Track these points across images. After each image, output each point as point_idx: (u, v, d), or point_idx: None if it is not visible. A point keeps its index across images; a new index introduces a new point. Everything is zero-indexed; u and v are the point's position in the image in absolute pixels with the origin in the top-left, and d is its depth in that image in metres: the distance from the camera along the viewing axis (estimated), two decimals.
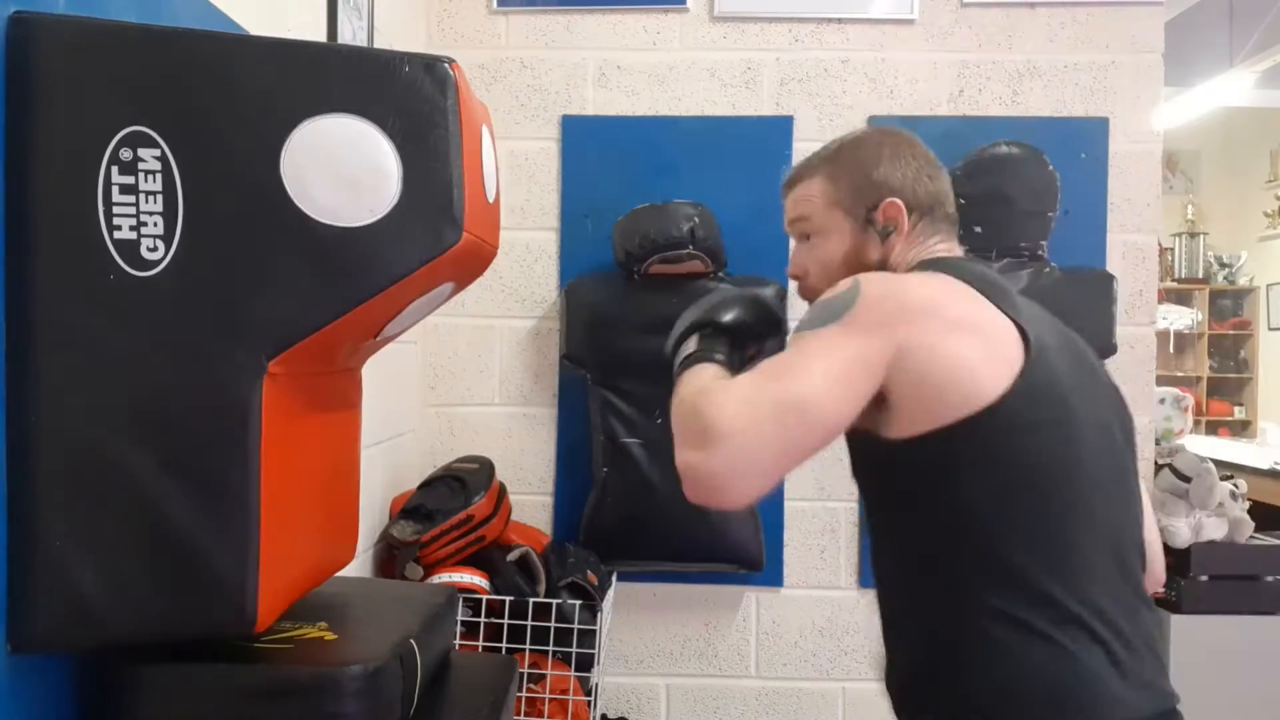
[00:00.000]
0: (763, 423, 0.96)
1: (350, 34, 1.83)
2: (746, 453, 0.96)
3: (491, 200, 1.01)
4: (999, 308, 1.03)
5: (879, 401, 1.00)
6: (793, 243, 1.27)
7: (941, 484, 1.01)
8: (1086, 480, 1.03)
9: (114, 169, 0.85)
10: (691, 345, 1.18)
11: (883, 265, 1.17)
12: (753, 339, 1.23)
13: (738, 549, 2.36)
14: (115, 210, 0.85)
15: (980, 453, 0.99)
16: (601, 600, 2.18)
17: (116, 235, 0.85)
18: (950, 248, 1.20)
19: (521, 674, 2.06)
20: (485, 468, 2.25)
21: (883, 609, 1.14)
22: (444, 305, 1.10)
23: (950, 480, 1.00)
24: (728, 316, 1.20)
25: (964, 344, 0.99)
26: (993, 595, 0.99)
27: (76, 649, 0.93)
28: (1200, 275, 6.47)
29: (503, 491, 2.25)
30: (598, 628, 2.14)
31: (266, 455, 0.88)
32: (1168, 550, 2.01)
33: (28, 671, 0.89)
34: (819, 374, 0.97)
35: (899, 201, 1.16)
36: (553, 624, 2.10)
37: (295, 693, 0.93)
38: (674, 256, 2.25)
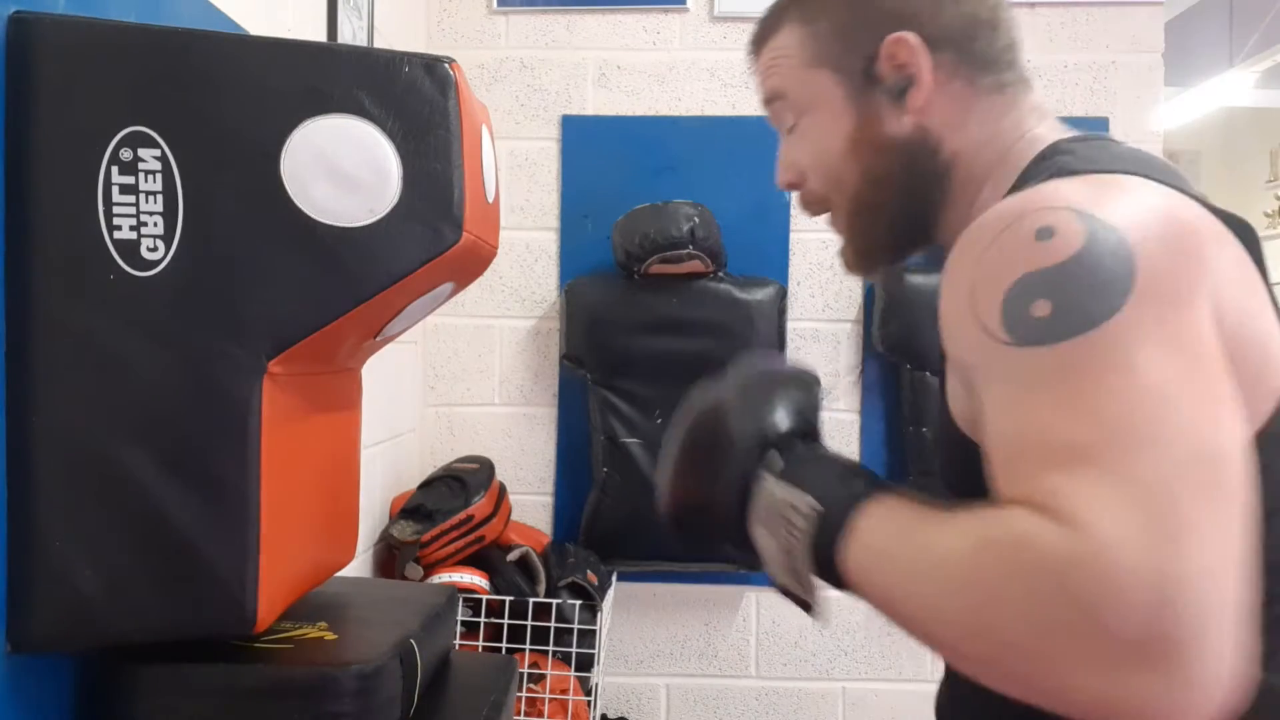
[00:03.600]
0: (1199, 538, 0.49)
1: (350, 34, 1.82)
2: (1220, 606, 0.48)
3: (491, 200, 1.01)
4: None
5: None
6: (781, 145, 0.85)
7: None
8: None
9: (114, 169, 0.85)
10: (784, 494, 0.67)
11: (918, 148, 0.76)
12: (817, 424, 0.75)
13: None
14: (115, 210, 0.85)
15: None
16: (601, 600, 2.18)
17: (116, 235, 0.85)
18: (1043, 115, 0.78)
19: (521, 674, 2.06)
20: (485, 468, 2.25)
21: None
22: (444, 305, 1.10)
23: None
24: (786, 421, 0.71)
25: (1252, 298, 0.62)
26: None
27: (76, 649, 0.93)
28: None
29: (503, 491, 2.25)
30: (598, 628, 2.14)
31: (266, 455, 0.88)
32: None
33: (28, 671, 0.89)
34: (1184, 396, 0.53)
35: (909, 36, 0.75)
36: (553, 624, 2.10)
37: (295, 693, 0.93)
38: (674, 256, 2.25)
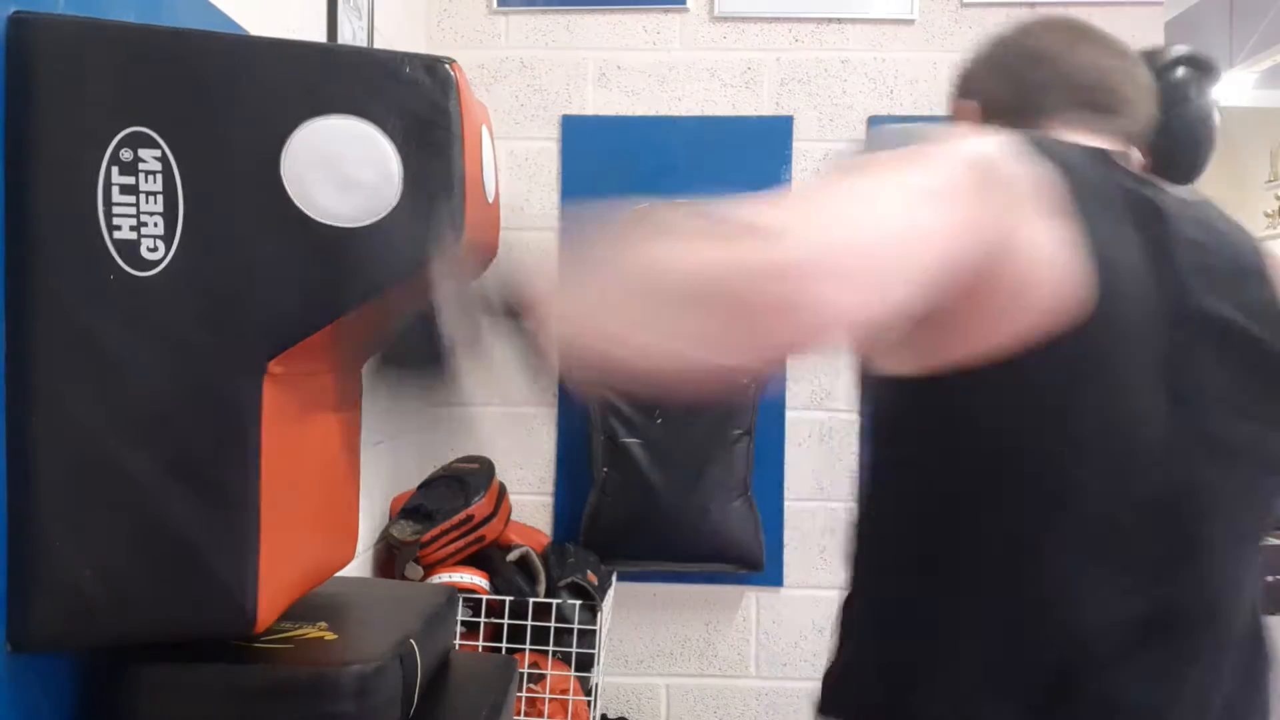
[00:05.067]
0: (837, 222, 0.65)
1: (350, 34, 1.83)
2: (830, 244, 0.63)
3: (491, 200, 1.01)
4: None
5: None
6: None
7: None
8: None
9: (114, 169, 0.85)
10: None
11: None
12: None
13: (738, 549, 2.36)
14: (115, 210, 0.85)
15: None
16: (601, 600, 2.18)
17: (116, 235, 0.85)
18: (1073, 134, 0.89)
19: (521, 674, 2.06)
20: (485, 468, 2.25)
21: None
22: None
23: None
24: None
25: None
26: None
27: (76, 649, 0.93)
28: None
29: (503, 491, 2.25)
30: (598, 628, 2.14)
31: (266, 455, 0.88)
32: None
33: (28, 671, 0.89)
34: (899, 193, 0.68)
35: (973, 105, 0.95)
36: (553, 624, 2.10)
37: (295, 693, 0.93)
38: None
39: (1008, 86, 0.95)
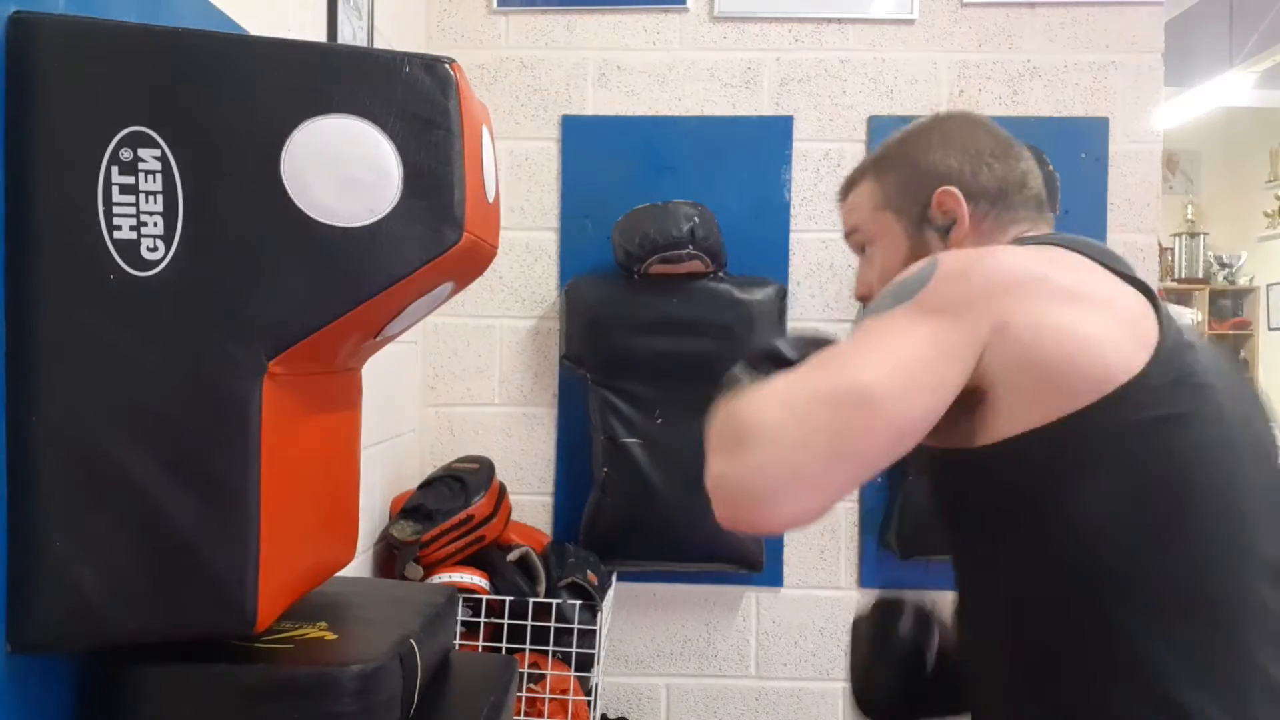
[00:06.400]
0: (808, 418, 0.78)
1: (350, 34, 1.83)
2: (785, 455, 0.77)
3: (491, 200, 1.01)
4: (1120, 275, 0.87)
5: (971, 403, 0.83)
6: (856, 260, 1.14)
7: (1050, 496, 0.82)
8: (1240, 498, 0.82)
9: (114, 169, 0.85)
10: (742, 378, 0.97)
11: None
12: None
13: (737, 549, 2.36)
14: (115, 210, 0.85)
15: (1106, 451, 0.80)
16: (601, 600, 2.18)
17: (116, 235, 0.85)
18: (1036, 226, 1.04)
19: (521, 674, 2.06)
20: (485, 468, 2.25)
21: (979, 667, 0.94)
22: (444, 305, 1.10)
23: (1063, 491, 0.81)
24: (791, 351, 0.96)
25: (1081, 316, 0.81)
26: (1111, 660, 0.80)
27: (76, 649, 0.93)
28: (1200, 275, 6.46)
29: (503, 491, 2.25)
30: (598, 628, 2.14)
31: (266, 455, 0.88)
32: None
33: (28, 671, 0.89)
34: (882, 359, 0.80)
35: (954, 190, 1.01)
36: (553, 624, 2.10)
37: (295, 692, 0.93)
38: (674, 256, 2.25)
39: (988, 176, 1.02)
